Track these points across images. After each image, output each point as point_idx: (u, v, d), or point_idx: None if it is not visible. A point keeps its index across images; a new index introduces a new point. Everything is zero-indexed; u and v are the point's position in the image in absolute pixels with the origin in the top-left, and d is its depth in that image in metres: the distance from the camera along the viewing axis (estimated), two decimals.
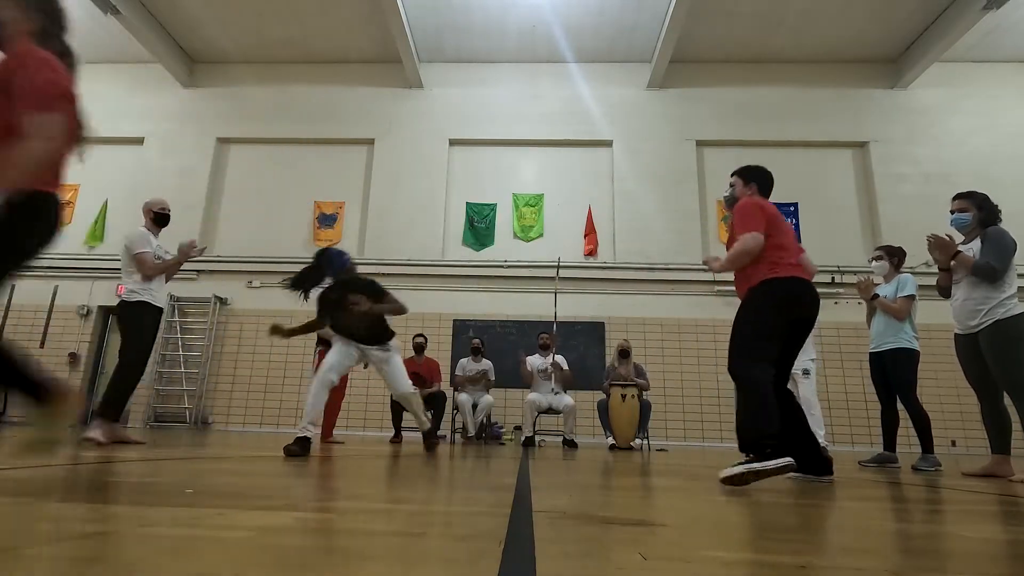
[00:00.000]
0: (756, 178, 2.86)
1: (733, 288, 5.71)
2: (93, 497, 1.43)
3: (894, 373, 3.96)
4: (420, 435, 6.26)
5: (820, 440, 4.76)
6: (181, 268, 4.14)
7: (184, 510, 1.24)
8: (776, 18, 8.61)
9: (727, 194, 2.91)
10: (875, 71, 9.42)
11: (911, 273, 4.42)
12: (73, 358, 8.55)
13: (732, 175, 2.91)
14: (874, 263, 4.27)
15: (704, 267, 8.47)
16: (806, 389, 4.82)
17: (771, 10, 8.46)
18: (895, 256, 4.21)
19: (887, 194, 8.83)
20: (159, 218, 4.05)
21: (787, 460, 2.13)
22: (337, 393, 5.49)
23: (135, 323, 3.79)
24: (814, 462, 2.49)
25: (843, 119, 9.19)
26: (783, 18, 8.61)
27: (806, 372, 4.88)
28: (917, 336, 4.02)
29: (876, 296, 4.12)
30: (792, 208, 8.78)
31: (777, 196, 2.99)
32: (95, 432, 3.43)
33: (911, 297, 4.00)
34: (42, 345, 8.58)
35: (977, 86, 9.23)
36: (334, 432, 5.48)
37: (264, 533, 1.00)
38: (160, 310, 3.95)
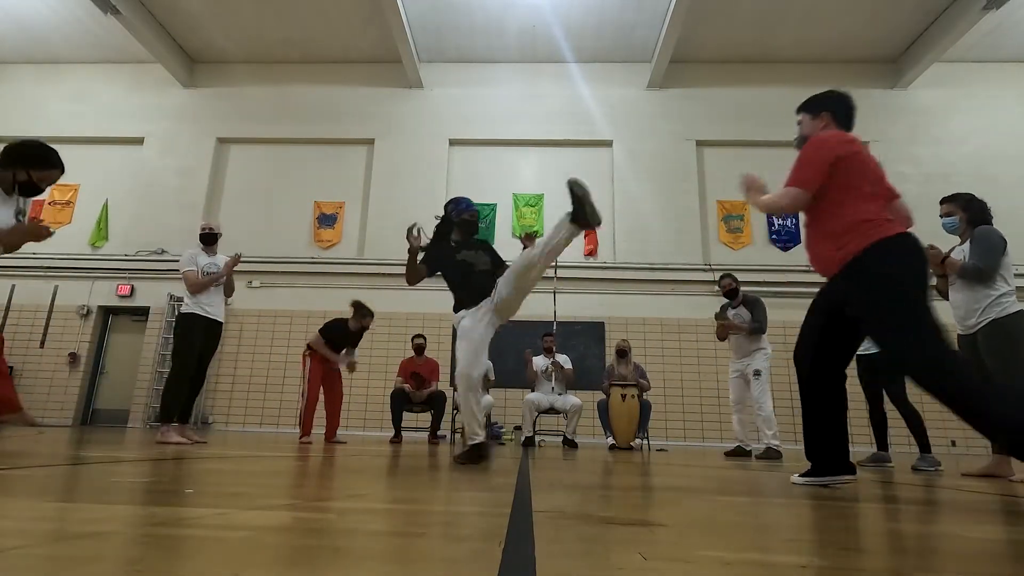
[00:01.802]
0: (829, 105, 2.27)
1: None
2: (93, 497, 1.43)
3: (886, 375, 4.04)
4: (427, 436, 6.28)
5: (768, 440, 4.84)
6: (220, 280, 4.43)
7: (184, 510, 1.24)
8: (776, 18, 8.62)
9: (795, 137, 2.36)
10: (875, 71, 9.42)
11: None
12: (73, 358, 8.55)
13: (798, 112, 2.37)
14: None
15: (704, 267, 8.55)
16: (756, 389, 4.99)
17: (771, 10, 8.47)
18: None
19: None
20: (203, 237, 4.44)
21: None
22: (336, 395, 5.48)
23: (183, 334, 4.22)
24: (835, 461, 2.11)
25: None
26: (783, 18, 8.61)
27: (757, 373, 5.01)
28: None
29: None
30: None
31: None
32: (163, 435, 3.95)
33: None
34: (42, 345, 8.58)
35: (977, 86, 9.23)
36: (337, 433, 5.49)
37: (264, 533, 1.00)
38: (215, 322, 4.32)
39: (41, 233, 2.72)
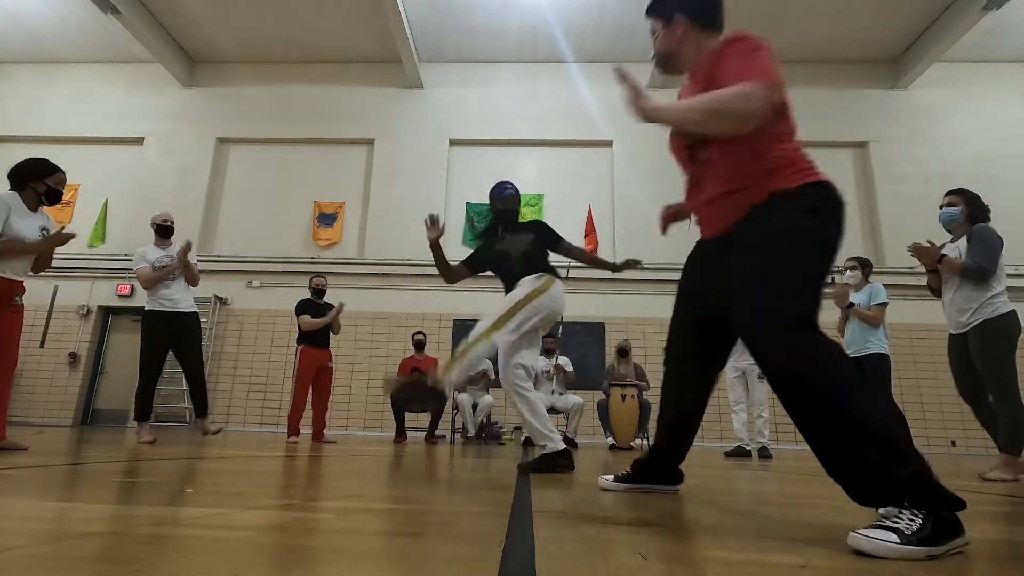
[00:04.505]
0: (681, 4, 1.66)
1: None
2: (93, 497, 1.43)
3: (873, 376, 4.06)
4: (424, 436, 6.28)
5: (765, 441, 5.05)
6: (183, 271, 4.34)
7: (184, 510, 1.24)
8: (776, 18, 8.61)
9: (652, 54, 1.75)
10: (875, 71, 9.42)
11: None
12: (73, 358, 8.54)
13: (649, 17, 1.71)
14: (848, 273, 4.39)
15: None
16: (762, 392, 5.15)
17: (771, 10, 8.46)
18: (866, 267, 4.41)
19: (887, 194, 8.83)
20: (159, 229, 4.42)
21: None
22: (323, 395, 5.47)
23: (143, 332, 4.21)
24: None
25: (843, 119, 9.19)
26: (783, 18, 8.61)
27: (763, 376, 5.01)
28: (888, 340, 4.17)
29: (852, 305, 4.20)
30: None
31: None
32: (137, 434, 4.04)
33: (884, 305, 4.16)
34: (42, 345, 8.57)
35: (977, 86, 9.23)
36: (325, 432, 5.46)
37: (264, 533, 1.00)
38: (179, 313, 4.22)
39: (64, 239, 3.25)
